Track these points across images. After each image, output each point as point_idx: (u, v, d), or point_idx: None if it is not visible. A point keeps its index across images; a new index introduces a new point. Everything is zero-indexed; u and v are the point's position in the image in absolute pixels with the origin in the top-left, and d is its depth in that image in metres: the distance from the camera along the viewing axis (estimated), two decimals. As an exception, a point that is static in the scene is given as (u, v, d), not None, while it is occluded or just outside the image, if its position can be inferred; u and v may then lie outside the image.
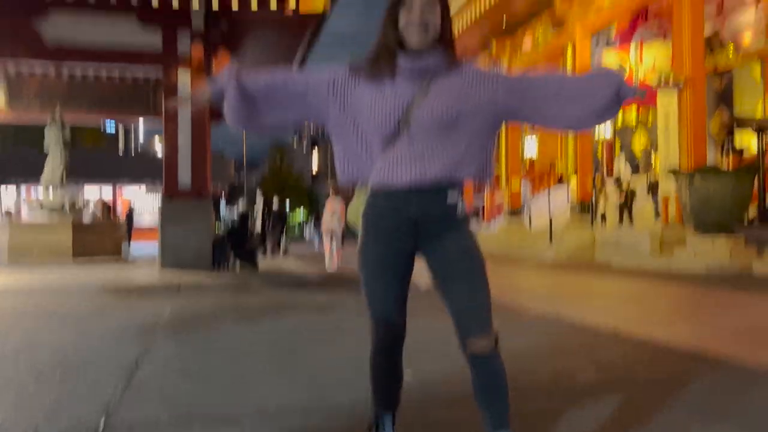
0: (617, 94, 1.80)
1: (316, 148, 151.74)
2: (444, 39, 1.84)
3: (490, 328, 1.78)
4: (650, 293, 7.20)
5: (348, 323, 5.00)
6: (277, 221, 12.13)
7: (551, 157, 25.25)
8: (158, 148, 19.79)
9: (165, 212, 9.56)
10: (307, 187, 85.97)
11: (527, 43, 20.67)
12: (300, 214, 77.94)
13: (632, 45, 17.90)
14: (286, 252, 14.11)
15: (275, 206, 17.07)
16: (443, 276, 1.80)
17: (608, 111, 1.83)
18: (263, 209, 10.60)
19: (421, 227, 1.79)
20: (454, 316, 1.79)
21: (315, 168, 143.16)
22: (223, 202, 41.44)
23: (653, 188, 15.78)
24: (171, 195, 9.68)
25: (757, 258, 10.35)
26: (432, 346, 3.38)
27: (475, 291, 1.78)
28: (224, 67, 1.86)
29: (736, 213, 10.26)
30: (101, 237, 11.35)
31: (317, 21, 9.65)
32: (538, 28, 19.70)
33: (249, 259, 10.14)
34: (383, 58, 1.82)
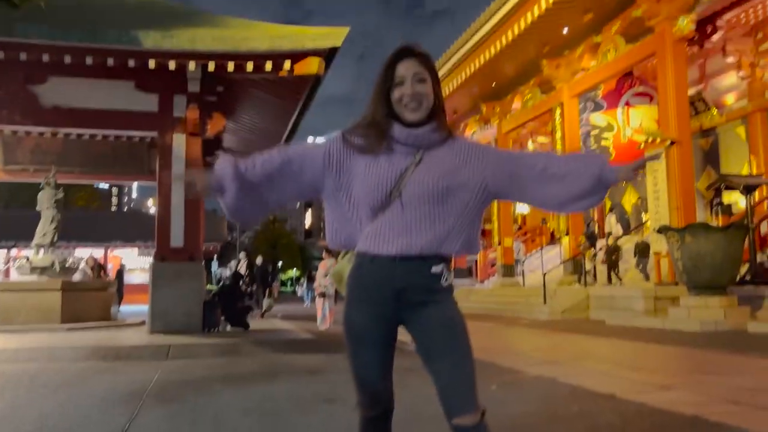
0: (599, 179, 1.81)
1: (308, 206, 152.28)
2: (436, 111, 1.88)
3: (474, 405, 1.73)
4: (646, 355, 7.12)
5: (340, 388, 4.89)
6: (260, 280, 11.94)
7: (543, 213, 25.44)
8: (152, 208, 19.78)
9: (156, 274, 9.48)
10: (299, 244, 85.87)
11: (516, 105, 21.11)
12: (292, 272, 77.57)
13: (619, 109, 18.32)
14: (268, 310, 13.74)
15: (259, 263, 17.02)
16: (427, 348, 1.78)
17: (591, 196, 1.84)
18: (246, 269, 10.50)
19: (405, 296, 1.78)
20: (438, 391, 1.76)
21: (307, 225, 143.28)
22: (215, 262, 41.22)
23: (641, 250, 15.89)
24: (163, 256, 9.62)
25: (751, 317, 10.33)
26: (424, 414, 3.31)
27: (458, 367, 1.75)
28: (221, 162, 1.84)
29: (728, 271, 10.27)
30: (91, 298, 11.19)
31: (312, 82, 9.84)
32: (527, 91, 20.16)
33: (240, 320, 10.00)
34: (374, 134, 1.84)
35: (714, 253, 10.07)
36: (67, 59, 8.85)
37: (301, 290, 33.31)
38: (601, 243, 17.93)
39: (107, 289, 11.74)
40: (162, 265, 9.54)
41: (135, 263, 27.25)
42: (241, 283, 10.33)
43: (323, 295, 10.77)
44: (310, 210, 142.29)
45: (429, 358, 1.77)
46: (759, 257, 13.32)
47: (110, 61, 8.88)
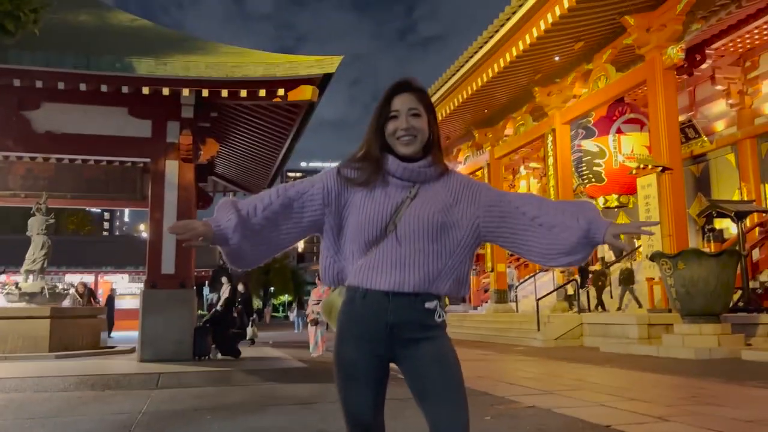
0: (587, 235, 1.78)
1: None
2: (431, 146, 1.88)
3: None
4: (642, 384, 7.06)
5: (331, 418, 4.80)
6: (243, 308, 11.65)
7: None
8: (143, 233, 19.66)
9: (146, 301, 9.38)
10: (291, 269, 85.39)
11: (508, 131, 21.25)
12: (284, 297, 77.02)
13: (611, 135, 18.48)
14: (252, 339, 13.43)
15: (241, 290, 16.80)
16: (420, 386, 1.75)
17: (576, 254, 1.80)
18: (230, 295, 10.34)
19: (398, 332, 1.75)
20: (431, 429, 1.73)
21: (300, 249, 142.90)
22: (206, 288, 40.91)
23: (625, 278, 15.97)
24: (153, 283, 9.52)
25: (745, 344, 10.30)
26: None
27: (451, 407, 1.72)
28: (224, 211, 1.81)
29: (722, 298, 10.26)
30: (81, 325, 11.03)
31: (306, 109, 9.87)
32: (519, 118, 20.31)
33: (231, 347, 9.88)
34: (369, 167, 1.84)
35: (707, 280, 10.07)
36: (61, 85, 8.86)
37: (292, 316, 33.08)
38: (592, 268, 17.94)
39: (97, 315, 11.59)
40: (152, 292, 9.45)
41: (126, 289, 27.03)
42: (233, 309, 10.22)
43: (316, 322, 10.66)
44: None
45: (422, 397, 1.74)
46: (751, 284, 13.35)
47: (104, 88, 8.88)
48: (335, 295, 1.87)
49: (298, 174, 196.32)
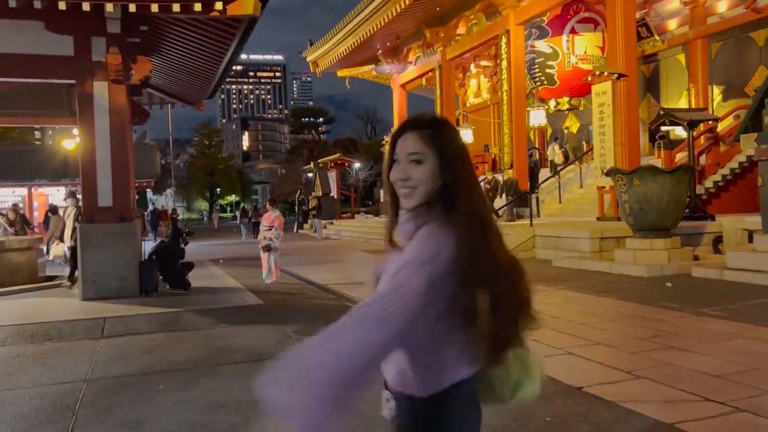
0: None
1: (245, 128, 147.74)
2: (442, 197, 1.44)
3: None
4: (602, 318, 7.07)
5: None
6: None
7: (485, 139, 25.32)
8: (71, 143, 18.44)
9: (84, 236, 8.76)
10: (237, 168, 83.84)
11: (461, 30, 20.39)
12: (231, 198, 76.07)
13: (564, 36, 17.90)
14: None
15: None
16: None
17: None
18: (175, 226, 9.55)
19: None
20: None
21: (245, 147, 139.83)
22: (149, 191, 39.49)
23: (509, 188, 16.19)
24: (90, 217, 8.87)
25: (693, 258, 10.54)
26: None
27: None
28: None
29: (674, 213, 10.34)
30: (13, 260, 10.34)
31: (246, 24, 8.97)
32: (472, 17, 19.42)
33: (180, 280, 9.47)
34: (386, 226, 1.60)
35: (660, 196, 10.08)
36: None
37: (238, 222, 32.64)
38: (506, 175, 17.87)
39: (33, 247, 10.88)
40: (90, 227, 8.82)
41: (64, 202, 25.73)
42: (180, 240, 9.71)
43: (268, 248, 10.29)
44: (247, 133, 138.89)
45: None
46: (697, 189, 13.59)
47: (11, 1, 7.76)
48: None
49: (239, 67, 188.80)
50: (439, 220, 1.42)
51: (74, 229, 10.10)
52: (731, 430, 3.56)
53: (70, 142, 18.59)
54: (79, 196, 10.30)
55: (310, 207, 28.49)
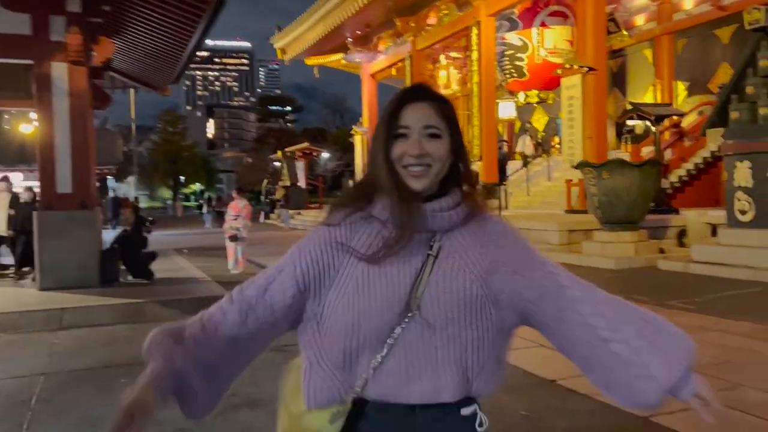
0: (668, 387, 1.28)
1: (210, 115, 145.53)
2: (456, 178, 1.31)
3: None
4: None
5: (260, 379, 4.42)
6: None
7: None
8: (29, 127, 17.76)
9: (42, 225, 8.41)
10: (202, 156, 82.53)
11: (432, 20, 20.30)
12: (195, 186, 74.85)
13: (534, 28, 17.97)
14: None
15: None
16: None
17: (642, 400, 1.31)
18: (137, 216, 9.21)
19: None
20: None
21: (210, 135, 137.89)
22: (110, 178, 38.59)
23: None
24: (49, 204, 8.53)
25: (659, 249, 10.69)
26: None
27: None
28: (153, 348, 1.27)
29: (641, 207, 10.47)
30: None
31: (214, 5, 8.69)
32: (443, 7, 19.34)
33: (143, 269, 9.20)
34: (398, 222, 1.25)
35: (629, 189, 10.18)
36: None
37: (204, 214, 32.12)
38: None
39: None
40: (48, 214, 8.46)
41: (21, 187, 24.90)
42: (143, 228, 9.42)
43: (235, 238, 10.08)
44: (212, 120, 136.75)
45: None
46: (662, 183, 13.79)
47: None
48: (319, 420, 1.26)
49: (204, 53, 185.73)
50: (483, 206, 1.34)
51: (10, 217, 9.73)
52: (703, 423, 3.54)
53: (27, 126, 17.91)
54: (13, 182, 9.92)
55: (277, 196, 28.17)
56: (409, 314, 1.19)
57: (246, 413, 3.90)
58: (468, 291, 1.22)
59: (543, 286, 1.29)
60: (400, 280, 1.21)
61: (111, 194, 27.44)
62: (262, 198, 34.78)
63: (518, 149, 21.98)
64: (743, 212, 8.90)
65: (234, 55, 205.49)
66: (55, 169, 8.56)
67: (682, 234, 11.91)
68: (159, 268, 9.96)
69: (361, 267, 1.22)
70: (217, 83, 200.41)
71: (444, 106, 1.29)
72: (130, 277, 9.23)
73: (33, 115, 13.66)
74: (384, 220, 1.26)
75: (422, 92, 1.30)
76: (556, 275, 1.32)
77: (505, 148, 22.30)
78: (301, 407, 1.28)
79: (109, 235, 9.90)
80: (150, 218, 9.96)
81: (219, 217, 28.78)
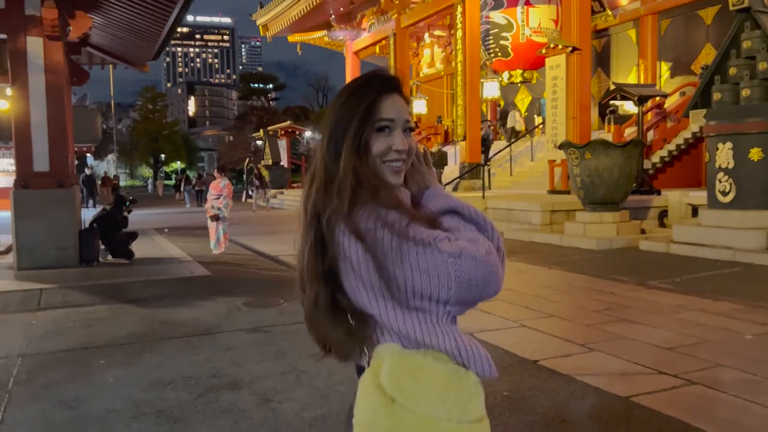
0: None
1: (191, 92, 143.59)
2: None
3: None
4: (556, 290, 7.12)
5: (242, 360, 4.38)
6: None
7: (438, 110, 25.22)
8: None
9: (18, 203, 8.25)
10: (183, 134, 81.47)
11: (416, -2, 20.08)
12: (176, 165, 73.97)
13: (519, 7, 17.83)
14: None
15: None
16: None
17: None
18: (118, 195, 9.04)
19: None
20: None
21: (191, 113, 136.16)
22: (90, 156, 38.02)
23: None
24: (25, 183, 8.36)
25: (640, 230, 10.76)
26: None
27: None
28: None
29: (623, 187, 10.48)
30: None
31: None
32: (428, -16, 19.14)
33: (123, 249, 9.08)
34: None
35: (612, 170, 10.18)
36: None
37: (184, 193, 31.84)
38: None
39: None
40: (25, 193, 8.31)
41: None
42: (123, 208, 9.26)
43: (217, 218, 9.96)
44: (193, 97, 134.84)
45: None
46: (645, 163, 13.85)
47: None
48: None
49: (185, 29, 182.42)
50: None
51: None
52: (684, 403, 3.58)
53: (2, 102, 17.51)
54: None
55: (254, 176, 27.78)
56: None
57: (228, 395, 3.87)
58: None
59: None
60: None
61: (87, 171, 26.95)
62: (244, 177, 34.46)
63: (508, 125, 21.93)
64: (724, 193, 8.96)
65: (215, 31, 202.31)
66: (32, 147, 8.39)
67: (663, 215, 12.00)
68: (139, 247, 9.85)
69: None
70: (197, 60, 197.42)
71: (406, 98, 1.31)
72: (109, 257, 9.11)
73: (8, 91, 13.36)
74: None
75: (395, 84, 1.28)
76: None
77: (489, 132, 22.16)
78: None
79: (87, 215, 9.73)
80: (131, 198, 9.77)
81: (198, 196, 28.55)
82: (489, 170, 17.63)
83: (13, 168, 9.76)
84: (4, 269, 8.43)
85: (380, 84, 1.26)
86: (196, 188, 29.46)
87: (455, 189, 16.95)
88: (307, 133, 35.83)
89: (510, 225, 12.22)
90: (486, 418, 1.20)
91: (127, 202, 9.38)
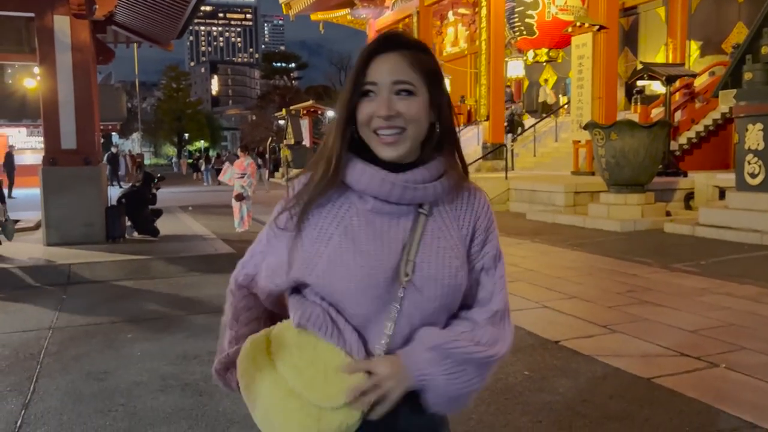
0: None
1: (214, 72, 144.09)
2: (432, 144, 1.18)
3: None
4: (578, 271, 7.09)
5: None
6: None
7: (461, 90, 25.01)
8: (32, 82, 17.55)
9: (47, 180, 8.39)
10: (206, 114, 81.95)
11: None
12: (200, 144, 74.55)
13: (546, -15, 17.52)
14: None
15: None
16: None
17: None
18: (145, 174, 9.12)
19: None
20: None
21: (215, 92, 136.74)
22: (115, 135, 38.46)
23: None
24: (53, 160, 8.49)
25: (665, 212, 10.63)
26: None
27: None
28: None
29: (649, 169, 10.35)
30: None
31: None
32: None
33: (148, 226, 9.21)
34: (328, 183, 1.15)
35: (637, 151, 10.06)
36: None
37: (203, 171, 32.14)
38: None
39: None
40: (53, 170, 8.44)
41: (24, 143, 24.88)
42: (150, 185, 9.36)
43: (241, 197, 10.05)
44: (216, 76, 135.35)
45: None
46: (672, 145, 13.63)
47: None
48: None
49: (208, 7, 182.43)
50: (461, 176, 1.21)
51: None
52: (706, 385, 3.56)
53: (30, 80, 17.75)
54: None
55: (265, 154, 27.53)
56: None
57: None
58: (451, 264, 1.17)
59: (477, 286, 1.24)
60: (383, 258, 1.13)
61: (113, 149, 27.24)
62: (267, 157, 34.58)
63: (540, 99, 21.70)
64: (753, 175, 8.80)
65: (238, 10, 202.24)
66: (59, 125, 8.51)
67: (689, 197, 11.83)
68: (164, 225, 9.97)
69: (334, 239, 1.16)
70: (220, 39, 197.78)
71: (420, 56, 1.14)
72: (135, 234, 9.25)
73: (36, 69, 13.48)
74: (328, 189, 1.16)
75: (393, 41, 1.13)
76: (492, 293, 1.25)
77: (516, 111, 21.89)
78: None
79: (112, 192, 9.88)
80: (159, 175, 9.90)
81: (218, 175, 28.81)
82: (512, 151, 17.50)
83: (42, 145, 9.93)
84: (34, 245, 8.61)
85: (375, 44, 1.14)
86: (216, 167, 29.76)
87: (477, 170, 16.86)
88: (329, 113, 35.78)
89: (533, 206, 12.15)
90: None
91: (156, 179, 9.49)
